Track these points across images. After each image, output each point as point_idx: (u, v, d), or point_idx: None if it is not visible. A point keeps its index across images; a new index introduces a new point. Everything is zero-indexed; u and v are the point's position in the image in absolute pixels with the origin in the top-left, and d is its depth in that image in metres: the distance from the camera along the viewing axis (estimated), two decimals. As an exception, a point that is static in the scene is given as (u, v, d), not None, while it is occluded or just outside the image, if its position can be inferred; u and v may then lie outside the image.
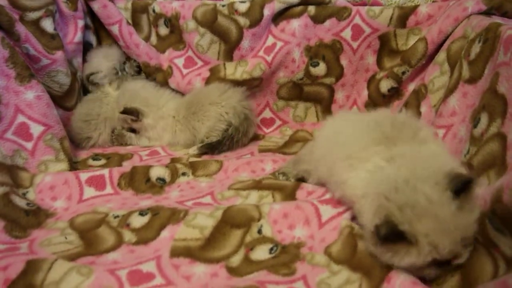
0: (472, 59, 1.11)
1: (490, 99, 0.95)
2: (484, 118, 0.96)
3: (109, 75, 1.53)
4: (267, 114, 1.62)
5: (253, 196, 1.11)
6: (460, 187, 0.70)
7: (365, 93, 1.54)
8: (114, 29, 1.54)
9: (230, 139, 1.40)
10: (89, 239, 0.96)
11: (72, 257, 0.88)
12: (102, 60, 1.53)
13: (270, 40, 1.52)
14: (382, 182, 0.80)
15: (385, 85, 1.46)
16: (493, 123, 0.92)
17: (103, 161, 1.35)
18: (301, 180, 1.17)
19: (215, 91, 1.44)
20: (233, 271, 0.87)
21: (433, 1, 1.48)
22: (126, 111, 1.43)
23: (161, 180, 1.20)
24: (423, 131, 0.93)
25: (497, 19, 1.15)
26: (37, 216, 1.03)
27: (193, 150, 1.40)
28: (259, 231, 0.96)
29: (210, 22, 1.50)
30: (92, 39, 1.58)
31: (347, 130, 1.00)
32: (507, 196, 0.65)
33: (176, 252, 0.91)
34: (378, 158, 0.87)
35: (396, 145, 0.88)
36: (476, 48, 1.10)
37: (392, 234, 0.71)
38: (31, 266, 0.83)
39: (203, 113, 1.41)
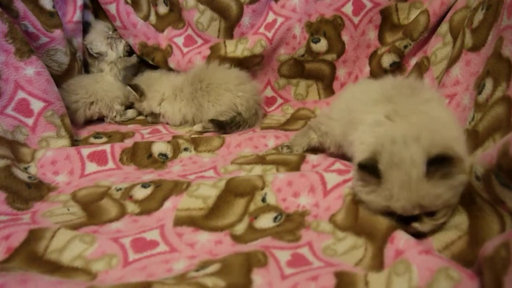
0: (475, 27, 1.09)
1: (495, 63, 0.94)
2: (489, 84, 0.95)
3: (102, 39, 1.54)
4: (269, 92, 1.61)
5: (257, 170, 1.10)
6: (434, 160, 0.73)
7: (367, 69, 1.52)
8: (111, 8, 1.53)
9: (235, 125, 1.39)
10: (92, 211, 0.96)
11: (75, 227, 0.88)
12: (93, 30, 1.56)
13: (271, 17, 1.51)
14: (382, 134, 0.85)
15: (387, 60, 1.45)
16: (498, 87, 0.91)
17: (104, 139, 1.35)
18: (309, 151, 1.16)
19: (234, 80, 1.42)
20: (237, 239, 0.87)
21: (435, -26, 1.46)
22: (132, 87, 1.47)
23: (163, 155, 1.20)
24: (425, 92, 0.97)
25: None
26: (39, 189, 1.02)
27: (198, 127, 1.40)
28: (263, 200, 0.96)
29: (210, -1, 1.49)
30: (91, 18, 1.57)
31: (355, 95, 1.06)
32: (514, 149, 0.64)
33: (179, 221, 0.91)
34: (377, 114, 0.90)
35: (395, 102, 0.92)
36: (479, 16, 1.09)
37: (370, 166, 0.78)
38: (34, 235, 0.83)
39: (216, 96, 1.40)
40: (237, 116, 1.39)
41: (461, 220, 0.80)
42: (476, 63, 1.07)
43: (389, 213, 0.79)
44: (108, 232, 0.87)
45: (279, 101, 1.62)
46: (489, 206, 0.74)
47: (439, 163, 0.74)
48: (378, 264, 0.76)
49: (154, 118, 1.52)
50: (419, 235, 0.79)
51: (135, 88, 1.46)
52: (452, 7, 1.28)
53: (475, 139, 0.92)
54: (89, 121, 1.51)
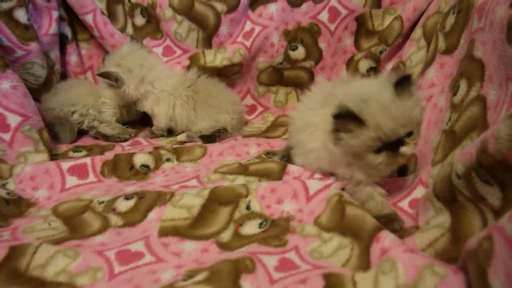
0: (447, 31, 1.13)
1: (468, 65, 0.97)
2: (463, 85, 0.98)
3: None
4: (248, 101, 1.62)
5: (240, 181, 1.10)
6: (398, 81, 0.85)
7: (344, 74, 1.55)
8: (88, 19, 1.51)
9: (220, 137, 1.41)
10: (74, 225, 0.94)
11: (57, 242, 0.86)
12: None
13: (248, 25, 1.52)
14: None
15: (364, 66, 1.48)
16: (472, 87, 0.93)
17: (84, 153, 1.32)
18: (287, 159, 1.17)
19: (232, 103, 1.44)
20: (223, 246, 0.86)
21: (406, -19, 1.51)
22: (103, 75, 1.37)
23: (145, 166, 1.19)
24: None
25: None
26: (18, 205, 1.00)
27: (182, 137, 1.40)
28: (248, 207, 0.96)
29: (187, 9, 1.49)
30: (67, 31, 1.55)
31: (302, 103, 1.15)
32: (492, 145, 0.66)
33: (164, 232, 0.90)
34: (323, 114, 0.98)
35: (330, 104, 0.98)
36: (450, 20, 1.12)
37: (346, 114, 0.84)
38: (15, 251, 0.80)
39: (216, 113, 1.41)
40: (222, 130, 1.41)
41: (443, 218, 0.82)
42: (450, 66, 1.10)
43: (377, 150, 0.87)
44: (92, 246, 0.86)
45: (259, 109, 1.63)
46: (471, 203, 0.75)
47: (402, 84, 0.86)
48: (365, 263, 0.77)
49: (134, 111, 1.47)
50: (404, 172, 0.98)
51: (109, 76, 1.36)
52: (424, 12, 1.33)
53: (453, 138, 0.94)
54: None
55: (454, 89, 1.01)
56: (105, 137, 1.43)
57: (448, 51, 1.11)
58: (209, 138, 1.38)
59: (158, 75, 1.42)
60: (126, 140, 1.44)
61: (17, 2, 1.29)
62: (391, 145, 0.87)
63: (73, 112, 1.41)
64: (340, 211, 0.90)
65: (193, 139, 1.40)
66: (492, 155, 0.67)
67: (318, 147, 1.01)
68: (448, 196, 0.82)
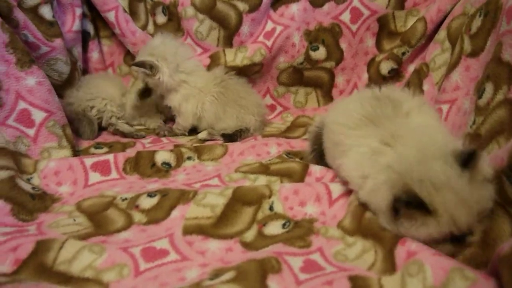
0: (473, 33, 1.12)
1: (495, 68, 0.96)
2: (489, 88, 0.97)
3: None
4: (268, 100, 1.62)
5: (261, 180, 1.10)
6: (467, 160, 0.71)
7: (365, 76, 1.54)
8: (110, 16, 1.52)
9: (240, 136, 1.41)
10: (98, 221, 0.94)
11: (82, 237, 0.87)
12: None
13: (270, 25, 1.52)
14: (392, 162, 0.80)
15: (386, 67, 1.47)
16: (499, 90, 0.92)
17: (105, 149, 1.33)
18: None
19: (258, 106, 1.45)
20: (247, 246, 0.86)
21: (430, -18, 1.49)
22: (137, 64, 1.35)
23: (167, 164, 1.19)
24: (405, 104, 0.93)
25: None
26: (43, 200, 1.01)
27: (203, 134, 1.40)
28: (271, 208, 0.96)
29: (209, 8, 1.50)
30: (90, 28, 1.57)
31: (336, 116, 1.02)
32: (526, 149, 0.66)
33: (188, 230, 0.90)
34: (371, 141, 0.87)
35: (379, 124, 0.89)
36: (477, 22, 1.11)
37: (413, 201, 0.72)
38: (42, 246, 0.81)
39: (244, 114, 1.41)
40: (245, 129, 1.42)
41: (471, 223, 0.81)
42: (475, 68, 1.09)
43: (447, 238, 0.74)
44: (116, 242, 0.86)
45: (279, 109, 1.63)
46: (500, 208, 0.75)
47: (470, 161, 0.71)
48: (390, 266, 0.77)
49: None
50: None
51: (143, 64, 1.34)
52: (449, 14, 1.31)
53: (478, 142, 0.93)
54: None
55: (479, 92, 1.00)
56: (123, 134, 1.44)
57: (474, 53, 1.10)
58: (231, 137, 1.38)
59: (192, 68, 1.40)
60: (144, 136, 1.44)
61: (43, -1, 1.30)
62: (459, 236, 0.74)
63: (91, 107, 1.43)
64: (360, 214, 0.89)
65: (214, 137, 1.40)
66: (525, 159, 0.66)
67: (348, 166, 0.91)
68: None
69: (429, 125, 0.88)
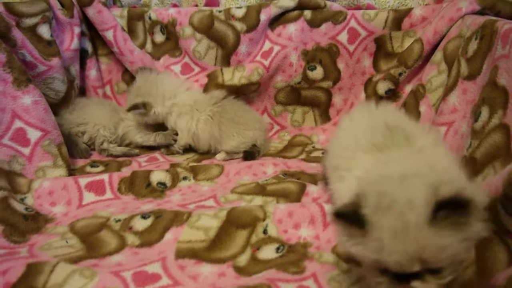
0: (469, 56, 1.12)
1: (490, 91, 0.96)
2: (485, 111, 0.97)
3: None
4: (265, 119, 1.62)
5: (257, 201, 1.10)
6: (445, 203, 0.57)
7: (362, 96, 1.54)
8: (108, 35, 1.53)
9: (259, 153, 1.43)
10: (91, 243, 0.93)
11: (74, 260, 0.86)
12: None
13: (267, 45, 1.53)
14: (374, 177, 0.71)
15: (382, 87, 1.47)
16: (494, 115, 0.92)
17: (101, 168, 1.32)
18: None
19: (257, 122, 1.45)
20: (241, 271, 0.85)
21: (426, 4, 1.50)
22: (131, 108, 1.42)
23: (162, 184, 1.18)
24: (420, 139, 0.82)
25: (491, 17, 1.17)
26: (36, 221, 1.00)
27: (221, 155, 1.42)
28: (265, 231, 0.95)
29: (207, 28, 1.51)
30: (88, 46, 1.57)
31: (339, 139, 0.95)
32: (520, 179, 0.65)
33: (181, 254, 0.89)
34: (369, 164, 0.78)
35: (387, 151, 0.79)
36: (473, 45, 1.12)
37: (350, 212, 0.61)
38: (32, 269, 0.80)
39: (244, 130, 1.41)
40: (254, 147, 1.42)
41: (467, 250, 0.80)
42: (472, 92, 1.09)
43: (382, 269, 0.62)
44: (108, 266, 0.85)
45: (276, 127, 1.63)
46: (496, 236, 0.74)
47: (450, 208, 0.56)
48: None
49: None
50: None
51: (136, 107, 1.41)
52: (445, 36, 1.32)
53: (473, 166, 0.93)
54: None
55: (476, 115, 1.00)
56: (117, 156, 1.43)
57: (471, 76, 1.10)
58: (251, 154, 1.39)
59: (176, 90, 1.45)
60: (138, 155, 1.45)
61: (41, 18, 1.31)
62: (400, 274, 0.61)
63: (82, 133, 1.44)
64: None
65: (233, 157, 1.40)
66: (520, 188, 0.65)
67: (341, 190, 0.81)
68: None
69: (441, 159, 0.75)
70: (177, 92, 1.44)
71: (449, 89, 1.16)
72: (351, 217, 0.61)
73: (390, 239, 0.57)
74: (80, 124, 1.42)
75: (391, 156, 0.76)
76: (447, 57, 1.27)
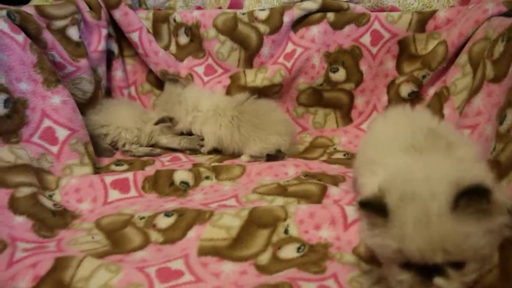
0: (496, 59, 1.11)
1: (517, 95, 0.95)
2: (510, 114, 0.95)
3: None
4: (287, 121, 1.62)
5: (278, 202, 1.10)
6: (466, 192, 0.58)
7: (384, 98, 1.54)
8: (134, 37, 1.56)
9: (283, 157, 1.42)
10: (116, 239, 0.96)
11: (100, 255, 0.88)
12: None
13: (290, 47, 1.54)
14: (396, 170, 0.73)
15: (405, 90, 1.46)
16: (521, 118, 0.91)
17: (125, 167, 1.35)
18: None
19: (283, 123, 1.44)
20: (262, 269, 0.86)
21: (451, 6, 1.49)
22: (159, 122, 1.50)
23: (185, 183, 1.20)
24: (461, 149, 0.81)
25: None
26: (63, 217, 1.03)
27: (245, 157, 1.43)
28: (286, 231, 0.95)
29: (230, 30, 1.53)
30: (114, 47, 1.61)
31: (379, 134, 0.96)
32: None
33: (203, 251, 0.90)
34: (403, 163, 0.78)
35: (426, 154, 0.79)
36: (499, 48, 1.10)
37: (374, 202, 0.64)
38: (60, 263, 0.83)
39: (266, 135, 1.40)
40: (279, 152, 1.42)
41: (491, 253, 0.79)
42: (497, 94, 1.07)
43: (405, 264, 0.63)
44: (133, 261, 0.87)
45: (298, 129, 1.63)
46: (520, 240, 0.73)
47: (471, 197, 0.58)
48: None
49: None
50: None
51: (163, 120, 1.49)
52: (470, 38, 1.30)
53: (498, 169, 0.91)
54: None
55: (501, 118, 0.99)
56: (140, 157, 1.46)
57: (497, 79, 1.08)
58: (274, 158, 1.39)
59: (198, 99, 1.50)
60: (160, 155, 1.48)
61: (71, 21, 1.35)
62: (423, 269, 0.61)
63: (105, 135, 1.47)
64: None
65: (257, 159, 1.40)
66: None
67: (370, 185, 0.78)
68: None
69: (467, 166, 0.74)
70: (199, 100, 1.49)
71: (474, 91, 1.15)
72: (374, 206, 0.63)
73: (412, 227, 0.59)
74: (103, 125, 1.46)
75: (428, 159, 0.76)
76: (472, 60, 1.25)
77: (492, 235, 0.60)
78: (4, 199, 0.97)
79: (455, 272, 0.60)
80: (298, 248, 0.91)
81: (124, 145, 1.48)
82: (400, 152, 0.81)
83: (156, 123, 1.49)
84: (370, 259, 0.86)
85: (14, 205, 0.97)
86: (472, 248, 0.59)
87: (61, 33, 1.33)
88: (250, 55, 1.55)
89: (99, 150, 1.40)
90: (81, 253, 0.88)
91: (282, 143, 1.40)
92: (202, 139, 1.49)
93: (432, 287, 0.62)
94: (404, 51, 1.50)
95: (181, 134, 1.53)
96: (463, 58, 1.30)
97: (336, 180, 1.22)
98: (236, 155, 1.46)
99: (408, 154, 0.80)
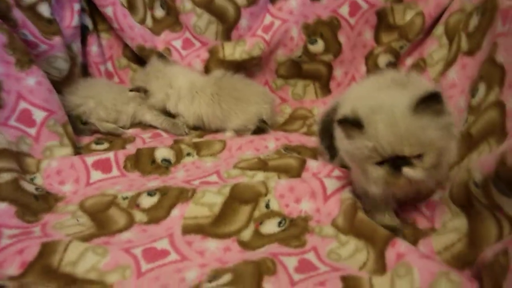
0: (470, 32, 1.12)
1: (488, 68, 0.97)
2: (482, 88, 0.98)
3: None
4: (266, 93, 1.63)
5: (259, 176, 1.13)
6: (424, 98, 0.75)
7: (363, 69, 1.55)
8: (108, 11, 1.52)
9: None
10: (101, 221, 0.97)
11: (86, 238, 0.90)
12: None
13: (268, 19, 1.53)
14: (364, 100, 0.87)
15: (383, 60, 1.48)
16: (491, 91, 0.94)
17: (106, 145, 1.36)
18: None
19: (261, 95, 1.46)
20: (245, 245, 0.89)
21: (428, -25, 1.48)
22: (133, 89, 1.48)
23: (167, 161, 1.22)
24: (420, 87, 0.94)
25: None
26: (46, 200, 1.04)
27: (230, 133, 1.44)
28: (267, 206, 0.99)
29: (207, 3, 1.50)
30: (88, 22, 1.57)
31: (351, 90, 1.13)
32: (511, 160, 0.68)
33: (187, 230, 0.93)
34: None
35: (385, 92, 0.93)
36: (474, 21, 1.12)
37: (350, 117, 0.79)
38: (47, 248, 0.84)
39: (246, 106, 1.41)
40: (262, 122, 1.42)
41: (460, 222, 0.85)
42: (471, 67, 1.10)
43: (379, 159, 0.78)
44: (119, 243, 0.89)
45: (277, 101, 1.64)
46: (487, 211, 0.77)
47: (427, 102, 0.75)
48: (381, 267, 0.81)
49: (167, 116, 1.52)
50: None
51: (138, 89, 1.47)
52: (446, 9, 1.31)
53: (469, 141, 0.96)
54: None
55: (473, 91, 1.02)
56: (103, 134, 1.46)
57: (471, 52, 1.11)
58: (262, 131, 1.41)
59: (174, 75, 1.48)
60: (121, 134, 1.47)
61: (41, -3, 1.30)
62: (394, 162, 0.78)
63: (82, 114, 1.44)
64: (352, 214, 0.92)
65: (243, 133, 1.42)
66: (510, 169, 0.68)
67: None
68: (464, 201, 0.84)
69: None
70: (174, 78, 1.47)
71: (448, 63, 1.17)
72: (350, 120, 0.78)
73: (383, 128, 0.76)
74: (80, 105, 1.43)
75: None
76: (449, 31, 1.27)
77: (443, 131, 0.78)
78: (-15, 186, 0.97)
79: (418, 161, 0.77)
80: (279, 223, 0.95)
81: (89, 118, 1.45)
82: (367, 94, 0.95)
83: (131, 90, 1.48)
84: (348, 231, 0.91)
85: (-5, 192, 0.97)
86: (429, 140, 0.76)
87: (31, 10, 1.29)
88: (228, 28, 1.53)
89: (78, 130, 1.39)
90: (67, 236, 0.90)
91: (262, 111, 1.42)
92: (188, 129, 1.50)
93: (401, 177, 0.78)
94: (382, 22, 1.50)
95: (167, 114, 1.52)
96: (439, 29, 1.31)
97: (314, 153, 1.25)
98: (217, 131, 1.47)
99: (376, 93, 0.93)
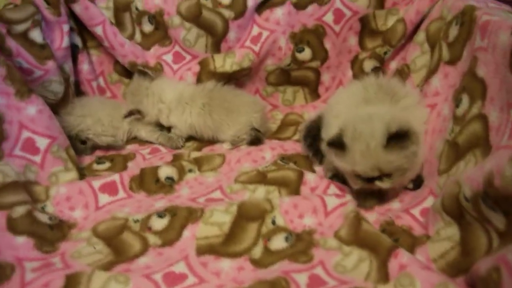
0: (451, 41, 1.18)
1: (470, 81, 1.02)
2: (465, 99, 1.03)
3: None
4: (257, 100, 1.68)
5: (260, 190, 1.19)
6: (394, 134, 0.97)
7: (349, 73, 1.61)
8: (98, 30, 1.53)
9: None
10: (116, 246, 1.01)
11: (106, 267, 0.94)
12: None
13: (256, 30, 1.56)
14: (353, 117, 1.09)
15: (369, 65, 1.54)
16: (474, 104, 0.99)
17: (107, 164, 1.38)
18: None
19: (251, 105, 1.49)
20: (256, 263, 0.95)
21: (407, -18, 1.54)
22: (128, 115, 1.50)
23: (170, 179, 1.26)
24: (407, 98, 1.19)
25: (470, 1, 1.19)
26: (60, 228, 1.07)
27: (227, 145, 1.48)
28: (273, 222, 1.05)
29: (195, 17, 1.52)
30: (77, 40, 1.57)
31: (339, 96, 1.33)
32: (498, 181, 0.74)
33: (201, 251, 0.98)
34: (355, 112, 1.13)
35: (374, 105, 1.14)
36: (454, 31, 1.17)
37: (336, 141, 1.03)
38: (71, 280, 0.88)
39: (236, 117, 1.45)
40: (255, 131, 1.47)
41: (453, 231, 0.91)
42: (453, 76, 1.15)
43: (357, 175, 1.04)
44: (138, 269, 0.94)
45: (268, 107, 1.69)
46: (477, 223, 0.84)
47: (397, 138, 0.97)
48: (384, 276, 0.88)
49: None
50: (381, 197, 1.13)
51: (132, 113, 1.50)
52: (427, 16, 1.37)
53: (456, 151, 1.02)
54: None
55: (457, 100, 1.08)
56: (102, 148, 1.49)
57: (452, 62, 1.16)
58: (257, 140, 1.45)
59: (162, 90, 1.51)
60: (121, 146, 1.51)
61: (32, 23, 1.30)
62: (368, 179, 1.03)
63: (82, 131, 1.45)
64: (356, 225, 1.00)
65: (238, 144, 1.46)
66: (497, 190, 0.75)
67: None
68: (456, 212, 0.90)
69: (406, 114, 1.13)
70: (163, 92, 1.50)
71: (431, 72, 1.23)
72: (337, 144, 1.03)
73: (359, 156, 0.99)
74: (77, 124, 1.44)
75: (373, 108, 1.12)
76: (430, 38, 1.32)
77: (409, 157, 1.02)
78: (1, 222, 1.00)
79: (386, 178, 1.03)
80: (286, 238, 1.01)
81: (88, 134, 1.45)
82: (353, 106, 1.17)
83: (125, 116, 1.50)
84: (350, 241, 0.98)
85: (12, 226, 1.00)
86: (396, 167, 1.01)
87: (23, 37, 1.29)
88: (217, 40, 1.56)
89: (78, 150, 1.41)
90: (88, 266, 0.94)
91: (252, 120, 1.46)
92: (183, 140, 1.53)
93: (374, 186, 1.04)
94: (366, 28, 1.56)
95: (161, 127, 1.55)
96: (421, 36, 1.37)
97: (310, 161, 1.32)
98: (211, 141, 1.52)
99: (360, 106, 1.15)
